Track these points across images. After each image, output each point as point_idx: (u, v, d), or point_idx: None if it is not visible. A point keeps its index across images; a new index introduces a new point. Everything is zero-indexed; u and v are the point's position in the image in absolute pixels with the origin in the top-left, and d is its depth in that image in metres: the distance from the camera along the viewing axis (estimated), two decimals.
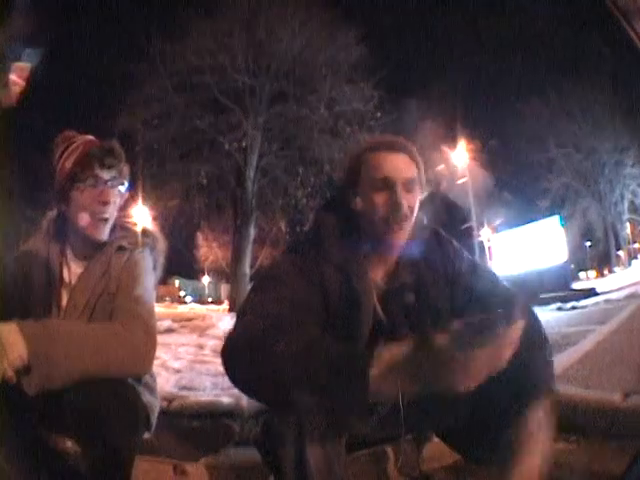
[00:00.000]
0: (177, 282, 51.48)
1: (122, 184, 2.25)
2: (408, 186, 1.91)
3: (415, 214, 1.96)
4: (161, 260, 2.41)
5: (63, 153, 2.17)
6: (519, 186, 32.63)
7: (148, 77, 19.28)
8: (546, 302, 13.28)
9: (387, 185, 1.89)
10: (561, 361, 4.74)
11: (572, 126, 32.57)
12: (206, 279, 48.79)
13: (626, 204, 35.14)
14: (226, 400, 3.60)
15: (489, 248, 22.16)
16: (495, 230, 27.30)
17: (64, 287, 2.21)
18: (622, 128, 31.60)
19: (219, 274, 42.35)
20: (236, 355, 1.66)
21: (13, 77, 2.18)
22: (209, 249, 34.66)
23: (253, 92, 19.86)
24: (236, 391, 3.65)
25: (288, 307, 1.75)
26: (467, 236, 28.78)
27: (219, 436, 2.80)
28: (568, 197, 33.73)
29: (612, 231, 36.22)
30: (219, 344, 5.91)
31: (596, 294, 14.25)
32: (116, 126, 18.86)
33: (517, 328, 1.41)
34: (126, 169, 2.25)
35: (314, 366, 1.45)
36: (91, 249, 2.24)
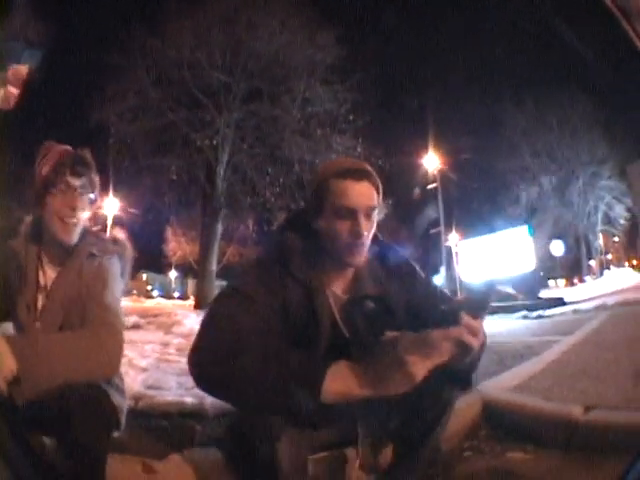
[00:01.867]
0: (145, 276, 51.14)
1: (91, 192, 2.36)
2: (369, 213, 2.02)
3: (371, 236, 2.08)
4: (128, 267, 2.52)
5: (42, 160, 2.29)
6: (490, 193, 32.99)
7: (126, 69, 19.15)
8: (513, 310, 13.54)
9: (350, 214, 1.99)
10: (523, 371, 4.81)
11: (548, 136, 33.01)
12: (173, 274, 48.62)
13: (600, 215, 35.56)
14: (190, 400, 3.66)
15: (456, 253, 22.25)
16: (463, 236, 27.59)
17: (39, 290, 2.32)
18: (600, 140, 32.03)
19: (186, 269, 42.24)
20: (203, 368, 1.74)
21: (9, 81, 2.26)
22: (177, 244, 34.53)
23: (228, 89, 19.77)
24: (199, 391, 3.73)
25: (251, 320, 1.85)
26: (435, 241, 29.20)
27: (183, 435, 2.87)
28: (540, 206, 34.05)
29: (584, 241, 36.63)
30: (184, 342, 6.02)
31: (564, 304, 14.40)
32: (91, 117, 18.79)
33: (453, 337, 1.52)
34: (96, 178, 2.36)
35: (274, 377, 1.58)
36: (64, 254, 2.35)
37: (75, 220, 2.30)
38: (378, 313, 2.08)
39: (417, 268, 2.34)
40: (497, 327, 10.23)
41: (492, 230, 20.43)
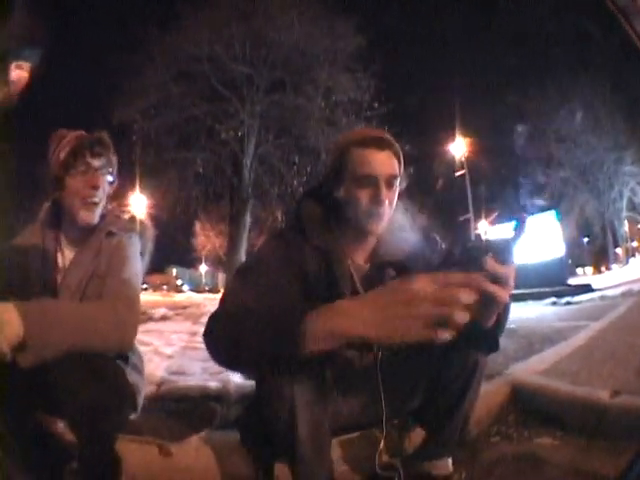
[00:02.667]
0: (174, 271, 51.60)
1: (110, 172, 2.37)
2: (390, 182, 2.00)
3: (394, 206, 2.06)
4: (149, 246, 2.52)
5: (57, 146, 2.29)
6: (517, 180, 32.81)
7: (146, 67, 19.24)
8: (541, 296, 13.44)
9: (371, 182, 1.98)
10: (551, 355, 4.71)
11: (572, 122, 32.58)
12: (203, 268, 48.89)
13: (625, 202, 35.24)
14: (213, 384, 3.64)
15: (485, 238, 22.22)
16: (492, 223, 27.37)
17: (58, 272, 2.32)
18: (622, 126, 31.68)
19: (216, 263, 42.50)
20: (214, 332, 1.73)
21: (13, 76, 2.25)
22: (206, 238, 34.77)
23: (250, 81, 19.82)
24: (224, 376, 3.65)
25: (267, 289, 1.84)
26: (464, 228, 29.04)
27: (203, 418, 2.84)
28: (566, 192, 33.81)
29: (610, 228, 36.33)
30: None
31: (591, 290, 14.24)
32: (114, 116, 18.89)
33: (475, 283, 1.37)
34: (114, 159, 2.37)
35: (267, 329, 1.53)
36: (83, 235, 2.35)
37: (97, 199, 2.31)
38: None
39: (438, 239, 2.28)
40: (526, 313, 10.10)
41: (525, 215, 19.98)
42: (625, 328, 6.39)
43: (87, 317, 2.04)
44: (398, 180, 2.06)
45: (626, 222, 37.33)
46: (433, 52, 29.87)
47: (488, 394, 3.36)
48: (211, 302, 15.23)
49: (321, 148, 19.78)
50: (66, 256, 2.37)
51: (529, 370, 4.08)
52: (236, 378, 3.70)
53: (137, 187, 21.06)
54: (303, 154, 20.41)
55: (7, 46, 2.19)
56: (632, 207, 35.81)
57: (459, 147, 29.04)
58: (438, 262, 2.05)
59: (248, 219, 21.04)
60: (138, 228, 2.44)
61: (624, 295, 11.26)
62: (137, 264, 2.36)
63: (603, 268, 38.55)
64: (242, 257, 20.85)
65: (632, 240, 42.22)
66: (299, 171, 20.60)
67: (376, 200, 1.98)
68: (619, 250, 38.55)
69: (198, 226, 33.07)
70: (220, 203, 22.88)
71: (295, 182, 20.56)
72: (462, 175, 29.31)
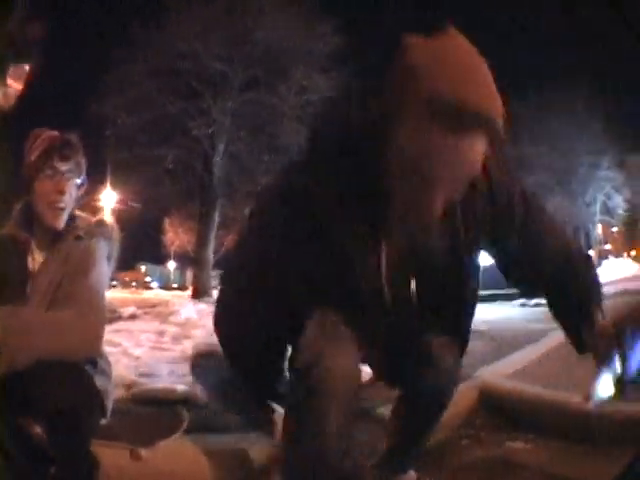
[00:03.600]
0: (143, 268, 51.46)
1: (78, 176, 2.39)
2: None
3: None
4: (116, 249, 2.55)
5: (31, 147, 2.34)
6: None
7: (124, 62, 19.20)
8: (510, 297, 13.70)
9: None
10: (520, 358, 4.81)
11: (550, 125, 33.04)
12: (172, 264, 48.84)
13: (598, 206, 35.78)
14: (181, 387, 3.69)
15: None
16: None
17: (29, 276, 2.34)
18: (600, 132, 32.22)
19: (185, 260, 42.51)
20: (215, 318, 2.02)
21: (10, 80, 2.27)
22: (175, 234, 34.71)
23: (225, 78, 19.80)
24: (190, 379, 3.71)
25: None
26: None
27: (174, 422, 2.88)
28: (539, 194, 34.23)
29: (583, 231, 36.86)
30: (179, 331, 5.99)
31: None
32: (90, 111, 18.87)
33: None
34: (83, 162, 2.40)
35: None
36: (52, 239, 2.37)
37: (63, 205, 2.32)
38: None
39: None
40: (495, 314, 10.37)
41: None
42: None
43: (56, 325, 2.13)
44: None
45: (599, 225, 37.93)
46: None
47: (456, 397, 3.41)
48: (180, 300, 15.24)
49: (292, 146, 19.88)
50: (36, 260, 2.38)
51: (498, 373, 4.16)
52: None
53: (108, 183, 21.03)
54: (274, 153, 20.48)
55: (7, 46, 2.22)
56: (606, 211, 36.34)
57: None
58: None
59: (217, 216, 21.12)
60: (106, 231, 2.49)
61: None
62: (104, 269, 2.41)
63: None
64: (210, 255, 20.95)
65: (605, 243, 42.96)
66: (268, 169, 20.67)
67: None
68: (592, 252, 39.14)
69: (167, 222, 33.02)
70: (190, 200, 22.94)
71: (264, 180, 20.70)
72: None
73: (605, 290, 6.17)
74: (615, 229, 41.31)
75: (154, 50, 19.33)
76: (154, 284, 47.53)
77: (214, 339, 1.97)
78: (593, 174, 34.70)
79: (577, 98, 31.38)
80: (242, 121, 20.25)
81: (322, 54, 20.62)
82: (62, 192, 2.29)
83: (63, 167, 2.30)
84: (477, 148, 1.38)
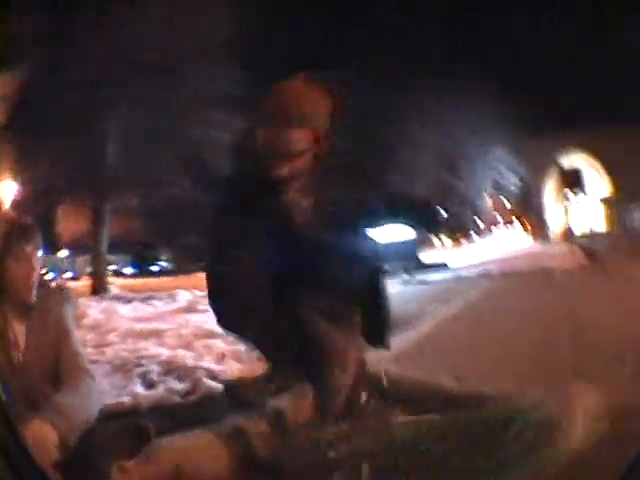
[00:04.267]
0: None
1: (39, 250, 2.79)
2: None
3: None
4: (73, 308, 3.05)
5: None
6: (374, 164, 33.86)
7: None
8: (392, 274, 13.65)
9: None
10: (400, 342, 5.41)
11: (437, 107, 33.37)
12: (63, 253, 47.64)
13: (488, 181, 36.87)
14: (126, 399, 4.05)
15: None
16: None
17: (11, 345, 2.69)
18: (494, 115, 32.63)
19: (76, 248, 41.64)
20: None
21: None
22: (68, 223, 34.11)
23: (124, 72, 19.59)
24: (130, 390, 4.11)
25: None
26: None
27: (141, 435, 3.20)
28: (424, 171, 34.92)
29: (470, 204, 37.90)
30: (96, 338, 6.32)
31: (447, 269, 14.98)
32: None
33: None
34: (39, 236, 2.80)
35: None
36: (26, 309, 2.76)
37: (34, 280, 2.74)
38: None
39: None
40: None
41: None
42: (474, 317, 7.16)
43: (84, 400, 2.64)
44: None
45: (489, 198, 39.18)
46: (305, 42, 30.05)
47: None
48: (81, 300, 14.89)
49: (186, 139, 19.94)
50: (15, 330, 2.75)
51: (378, 357, 4.77)
52: (140, 389, 4.12)
53: (8, 174, 20.68)
54: (164, 141, 20.50)
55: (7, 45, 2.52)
56: (496, 186, 37.45)
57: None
58: None
59: (108, 207, 21.10)
60: (68, 295, 2.97)
61: (480, 277, 12.19)
62: (74, 329, 2.89)
63: (463, 239, 40.27)
64: (105, 244, 20.89)
65: (497, 214, 44.51)
66: (157, 157, 20.70)
67: None
68: (481, 223, 40.51)
69: (61, 211, 32.49)
70: (84, 189, 22.70)
71: (158, 170, 20.74)
72: None
73: (491, 268, 7.02)
74: (507, 202, 42.48)
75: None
76: (50, 275, 45.88)
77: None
78: (484, 154, 35.64)
79: (470, 82, 31.80)
80: (137, 113, 20.14)
81: (216, 45, 20.55)
82: (33, 270, 2.73)
83: (28, 248, 2.72)
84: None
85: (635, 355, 4.65)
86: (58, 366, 2.75)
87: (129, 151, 20.60)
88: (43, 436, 2.26)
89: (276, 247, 2.27)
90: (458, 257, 19.14)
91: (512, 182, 36.01)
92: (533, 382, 4.02)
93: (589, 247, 16.32)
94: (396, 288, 11.93)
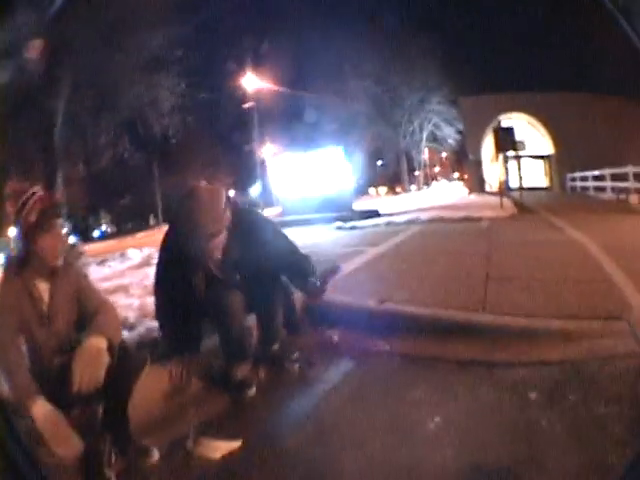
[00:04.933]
0: None
1: (64, 222, 3.30)
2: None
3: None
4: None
5: (24, 206, 3.13)
6: (308, 110, 33.97)
7: None
8: (328, 221, 14.87)
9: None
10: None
11: (377, 62, 34.49)
12: (12, 231, 46.73)
13: (425, 134, 37.33)
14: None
15: (269, 168, 22.61)
16: (278, 153, 28.89)
17: (37, 300, 3.19)
18: (435, 71, 33.67)
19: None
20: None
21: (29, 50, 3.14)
22: (16, 200, 33.66)
23: (64, 37, 19.15)
24: None
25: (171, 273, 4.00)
26: (251, 156, 31.71)
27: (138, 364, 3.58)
28: (359, 122, 35.40)
29: (406, 155, 38.38)
30: None
31: (378, 215, 15.64)
32: None
33: None
34: (64, 210, 3.46)
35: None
36: (50, 271, 3.23)
37: (61, 248, 3.22)
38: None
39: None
40: (315, 238, 11.67)
41: (307, 147, 20.98)
42: (398, 254, 7.99)
43: (116, 320, 3.40)
44: None
45: (426, 150, 39.70)
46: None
47: None
48: None
49: (126, 105, 20.53)
50: (40, 287, 3.20)
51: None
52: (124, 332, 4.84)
53: None
54: (112, 111, 20.54)
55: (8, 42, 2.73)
56: (434, 139, 37.85)
57: (249, 81, 30.90)
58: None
59: (61, 178, 20.92)
60: (80, 251, 3.72)
61: (409, 223, 12.88)
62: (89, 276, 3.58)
63: (399, 189, 40.71)
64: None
65: (434, 166, 45.14)
66: (104, 128, 20.86)
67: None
68: (418, 173, 41.11)
69: (9, 188, 32.02)
70: (32, 163, 22.39)
71: (100, 138, 20.84)
72: (251, 107, 31.30)
73: (420, 216, 8.06)
74: (444, 154, 42.68)
75: None
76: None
77: None
78: (420, 107, 36.15)
79: (412, 39, 32.39)
80: (79, 82, 19.85)
81: (165, 6, 20.47)
82: (61, 239, 3.22)
83: (59, 222, 3.20)
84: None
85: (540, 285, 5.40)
86: (85, 305, 3.30)
87: (75, 120, 20.46)
88: (98, 344, 2.95)
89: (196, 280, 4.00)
90: (390, 205, 19.43)
91: (450, 135, 36.62)
92: (445, 307, 4.90)
93: (521, 200, 16.77)
94: (332, 234, 12.76)
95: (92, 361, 2.91)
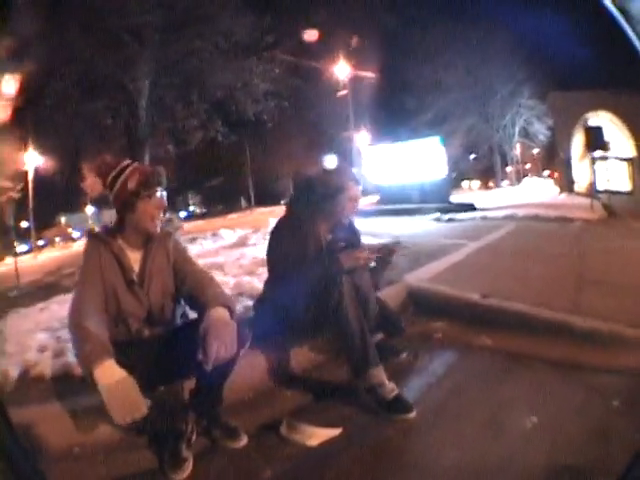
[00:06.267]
0: (63, 219, 49.54)
1: (165, 191, 3.31)
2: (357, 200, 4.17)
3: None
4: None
5: (119, 176, 3.22)
6: (401, 101, 34.00)
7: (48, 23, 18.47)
8: (426, 212, 15.04)
9: (354, 199, 4.10)
10: (435, 267, 6.51)
11: (466, 52, 34.33)
12: (90, 209, 48.00)
13: (517, 129, 36.91)
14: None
15: (365, 156, 22.72)
16: (374, 141, 29.22)
17: (126, 269, 3.22)
18: (521, 65, 33.36)
19: (101, 203, 41.75)
20: (274, 273, 4.17)
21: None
22: (94, 180, 34.35)
23: (145, 25, 19.28)
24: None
25: (287, 247, 3.99)
26: (346, 143, 31.63)
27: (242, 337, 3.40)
28: (454, 112, 35.44)
29: (498, 149, 38.05)
30: None
31: (474, 209, 15.54)
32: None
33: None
34: (165, 182, 3.31)
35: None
36: (143, 240, 3.29)
37: (160, 214, 3.28)
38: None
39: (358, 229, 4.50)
40: (413, 228, 11.75)
41: (404, 137, 20.85)
42: (498, 250, 7.93)
43: (224, 290, 3.35)
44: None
45: (518, 145, 39.23)
46: None
47: (392, 294, 5.21)
48: None
49: (216, 87, 20.56)
50: (129, 256, 3.26)
51: (418, 278, 5.92)
52: None
53: (30, 144, 21.08)
54: (198, 93, 20.58)
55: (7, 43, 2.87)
56: (526, 134, 37.43)
57: (342, 69, 30.87)
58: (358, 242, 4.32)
59: (147, 157, 21.06)
60: (177, 224, 3.73)
61: (505, 218, 12.77)
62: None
63: (491, 184, 40.41)
64: None
65: (525, 163, 44.44)
66: (194, 110, 20.87)
67: (355, 209, 4.16)
68: (510, 169, 40.67)
69: (86, 168, 32.82)
70: (113, 143, 22.72)
71: (192, 121, 20.93)
72: (345, 95, 31.25)
73: (517, 212, 8.01)
74: (535, 151, 42.08)
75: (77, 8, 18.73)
76: (76, 233, 46.45)
77: None
78: (512, 101, 35.92)
79: (497, 31, 31.96)
80: (166, 64, 20.00)
81: None
82: (163, 207, 3.28)
83: (159, 190, 3.25)
84: None
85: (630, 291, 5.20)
86: (184, 277, 3.30)
87: (162, 101, 20.64)
88: (225, 315, 2.93)
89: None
90: (485, 199, 19.31)
91: (540, 131, 36.06)
92: (539, 305, 4.78)
93: (609, 204, 16.43)
94: (430, 225, 12.86)
95: (227, 332, 2.86)
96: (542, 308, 4.71)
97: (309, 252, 4.01)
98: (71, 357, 3.93)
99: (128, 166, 3.26)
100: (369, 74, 31.67)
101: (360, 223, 4.44)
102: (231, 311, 3.02)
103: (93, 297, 3.05)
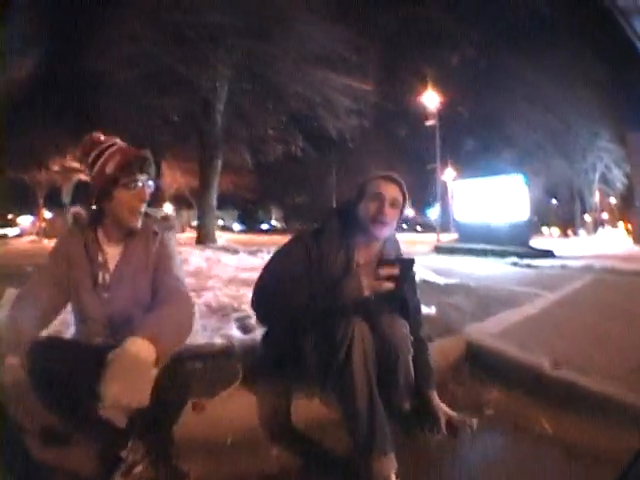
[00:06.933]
0: None
1: (151, 181, 2.84)
2: (393, 203, 3.02)
3: (395, 224, 3.09)
4: (175, 239, 3.13)
5: (98, 158, 2.77)
6: (484, 135, 33.61)
7: (117, 17, 18.52)
8: (503, 254, 14.48)
9: (379, 198, 2.99)
10: (504, 319, 5.47)
11: (544, 85, 33.31)
12: (168, 207, 48.86)
13: (597, 175, 36.12)
14: (219, 341, 4.12)
15: (451, 191, 22.51)
16: (458, 175, 28.69)
17: (99, 267, 2.80)
18: (597, 100, 32.06)
19: (180, 202, 42.60)
20: (257, 300, 3.05)
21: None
22: (173, 178, 34.90)
23: (224, 29, 19.26)
24: (224, 332, 4.22)
25: (288, 271, 3.00)
26: (431, 177, 30.89)
27: (230, 375, 3.27)
28: (535, 154, 34.51)
29: (579, 195, 37.25)
30: (194, 283, 6.36)
31: (553, 257, 14.98)
32: (86, 68, 18.48)
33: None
34: (153, 170, 2.86)
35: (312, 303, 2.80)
36: (123, 235, 2.84)
37: (143, 209, 2.82)
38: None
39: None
40: (488, 271, 11.13)
41: (487, 173, 20.48)
42: (576, 305, 7.09)
43: (182, 320, 2.56)
44: (399, 205, 3.08)
45: (597, 193, 38.35)
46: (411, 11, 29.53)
47: (446, 348, 4.30)
48: (184, 248, 15.02)
49: (291, 95, 19.71)
50: (107, 252, 2.84)
51: (483, 331, 4.85)
52: (236, 333, 4.19)
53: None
54: (273, 100, 20.36)
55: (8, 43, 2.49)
56: (604, 181, 36.71)
57: (431, 98, 30.10)
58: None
59: (220, 163, 21.06)
60: (172, 224, 3.02)
61: (583, 269, 12.01)
62: (178, 257, 2.94)
63: (570, 232, 39.80)
64: (214, 200, 20.74)
65: (602, 211, 43.37)
66: (269, 116, 20.64)
67: (380, 210, 2.97)
68: (587, 217, 39.73)
69: (165, 166, 33.21)
70: (187, 144, 22.78)
71: (265, 127, 20.70)
72: (432, 126, 30.57)
73: (595, 263, 6.92)
74: (612, 199, 41.47)
75: (146, 3, 18.68)
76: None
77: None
78: (593, 142, 34.84)
79: (577, 65, 30.91)
80: (242, 70, 19.85)
81: (321, 3, 20.02)
82: (143, 200, 2.81)
83: (143, 178, 2.78)
84: None
85: None
86: (158, 287, 2.76)
87: (239, 106, 20.57)
88: (144, 351, 2.21)
89: None
90: (564, 247, 18.82)
91: (618, 178, 35.32)
92: (618, 379, 3.82)
93: None
94: (506, 269, 12.36)
95: (135, 374, 2.15)
96: (629, 392, 3.55)
97: (324, 274, 3.03)
98: None
99: (112, 145, 2.80)
100: (458, 108, 31.25)
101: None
102: (161, 346, 2.27)
103: (38, 289, 2.69)
